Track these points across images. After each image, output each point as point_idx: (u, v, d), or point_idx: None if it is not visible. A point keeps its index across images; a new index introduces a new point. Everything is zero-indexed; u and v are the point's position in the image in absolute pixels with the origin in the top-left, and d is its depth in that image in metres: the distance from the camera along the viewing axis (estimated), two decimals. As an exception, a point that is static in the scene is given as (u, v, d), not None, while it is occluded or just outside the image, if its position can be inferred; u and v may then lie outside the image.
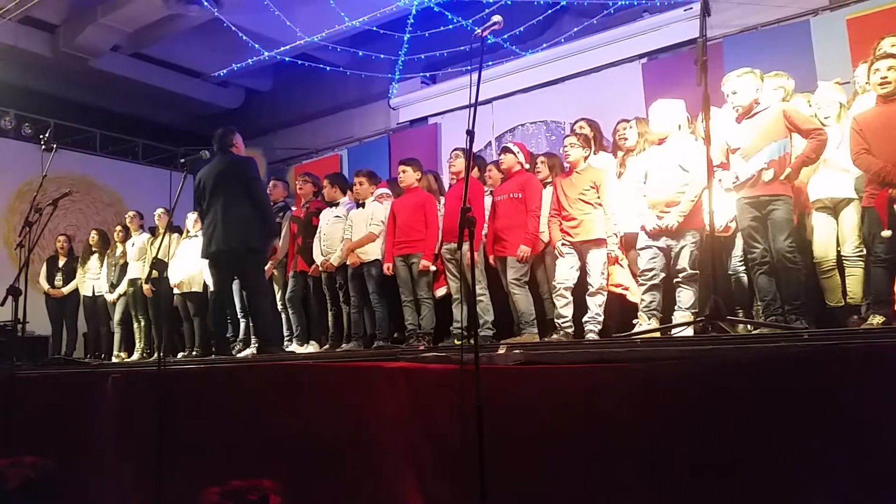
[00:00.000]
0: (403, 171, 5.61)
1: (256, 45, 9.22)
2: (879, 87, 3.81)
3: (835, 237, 4.25)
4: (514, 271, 4.94)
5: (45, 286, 8.08)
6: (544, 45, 8.72)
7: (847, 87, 4.63)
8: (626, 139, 5.05)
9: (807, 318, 3.91)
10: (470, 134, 2.97)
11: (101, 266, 7.85)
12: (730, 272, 4.46)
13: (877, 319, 3.66)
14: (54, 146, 6.63)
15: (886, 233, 3.66)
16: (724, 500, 2.34)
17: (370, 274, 5.66)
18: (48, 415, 4.88)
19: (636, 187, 4.54)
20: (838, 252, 4.24)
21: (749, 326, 3.99)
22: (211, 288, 6.80)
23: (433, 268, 5.42)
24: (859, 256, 4.08)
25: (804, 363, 2.30)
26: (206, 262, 5.37)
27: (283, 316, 6.32)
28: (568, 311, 4.69)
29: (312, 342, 6.13)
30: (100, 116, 11.15)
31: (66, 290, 8.04)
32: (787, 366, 2.33)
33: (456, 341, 5.09)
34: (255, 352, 6.33)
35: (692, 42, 6.80)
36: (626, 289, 4.77)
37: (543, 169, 5.31)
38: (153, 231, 7.62)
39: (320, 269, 5.93)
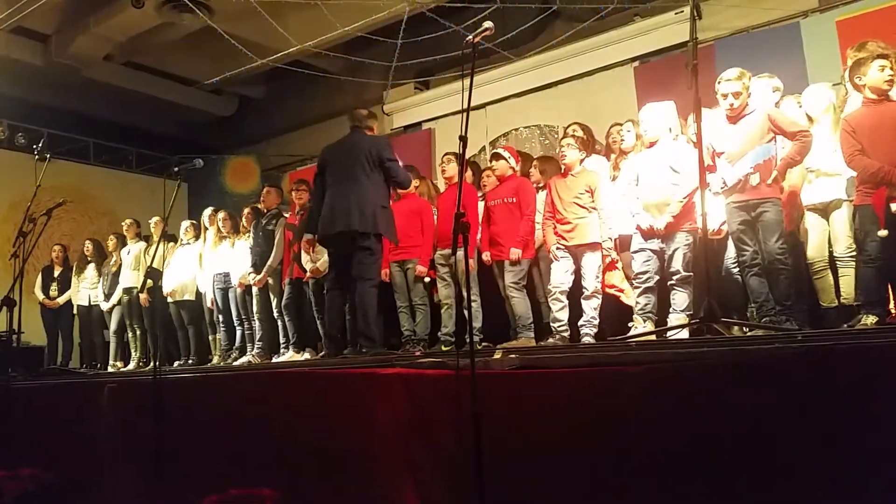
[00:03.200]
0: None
1: (249, 53, 9.21)
2: (885, 84, 3.77)
3: (827, 238, 4.26)
4: (512, 275, 4.94)
5: (41, 296, 8.05)
6: (537, 49, 8.74)
7: (838, 87, 4.63)
8: (623, 141, 5.05)
9: (799, 318, 3.91)
10: (463, 139, 2.98)
11: (97, 276, 7.84)
12: (723, 274, 4.47)
13: (870, 319, 3.66)
14: (48, 156, 6.62)
15: (883, 232, 3.63)
16: (722, 501, 2.35)
17: (366, 280, 5.63)
18: (45, 426, 4.87)
19: (628, 189, 4.55)
20: (830, 252, 4.26)
21: (744, 328, 4.00)
22: (207, 295, 6.82)
23: (427, 279, 5.41)
24: (851, 257, 4.08)
25: (799, 364, 2.32)
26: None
27: (280, 323, 6.31)
28: (563, 315, 4.69)
29: (308, 349, 6.12)
30: (93, 126, 11.11)
31: (62, 300, 8.02)
32: (781, 367, 2.35)
33: (443, 347, 5.09)
34: (251, 360, 6.33)
35: (684, 45, 6.87)
36: (621, 290, 4.78)
37: (535, 173, 5.33)
38: (147, 239, 7.61)
39: (309, 275, 5.90)
